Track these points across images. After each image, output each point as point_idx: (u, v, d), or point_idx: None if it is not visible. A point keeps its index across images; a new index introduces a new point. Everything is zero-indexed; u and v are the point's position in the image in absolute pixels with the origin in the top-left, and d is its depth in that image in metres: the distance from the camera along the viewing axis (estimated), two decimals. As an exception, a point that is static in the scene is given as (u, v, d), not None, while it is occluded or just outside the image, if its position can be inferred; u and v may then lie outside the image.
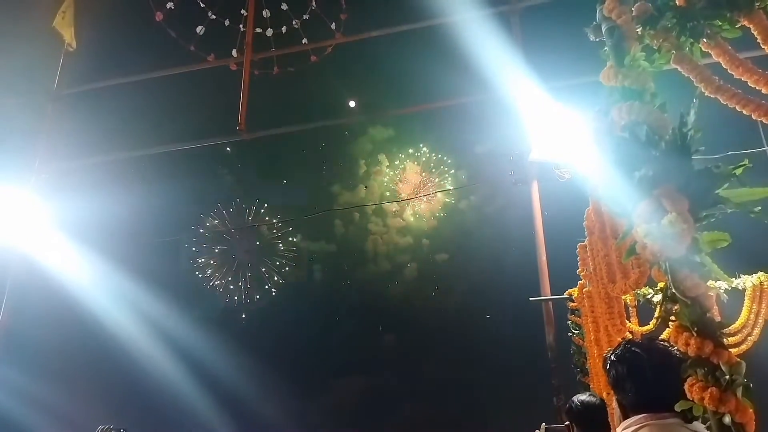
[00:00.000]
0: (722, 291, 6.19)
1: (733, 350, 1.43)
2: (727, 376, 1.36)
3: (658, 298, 5.93)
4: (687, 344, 1.40)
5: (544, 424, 3.52)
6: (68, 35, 8.65)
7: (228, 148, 19.25)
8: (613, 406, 1.96)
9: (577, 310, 6.52)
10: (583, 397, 3.19)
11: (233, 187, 22.61)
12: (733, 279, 6.47)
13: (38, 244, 8.02)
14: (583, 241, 3.99)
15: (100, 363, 16.40)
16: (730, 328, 6.29)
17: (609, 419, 2.92)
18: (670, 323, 1.49)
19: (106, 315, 13.01)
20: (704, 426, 1.56)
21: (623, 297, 5.17)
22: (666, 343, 1.74)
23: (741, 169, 1.48)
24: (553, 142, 7.15)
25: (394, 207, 22.72)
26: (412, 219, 23.43)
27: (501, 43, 7.52)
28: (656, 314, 5.96)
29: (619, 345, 1.88)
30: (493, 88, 7.27)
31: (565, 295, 6.96)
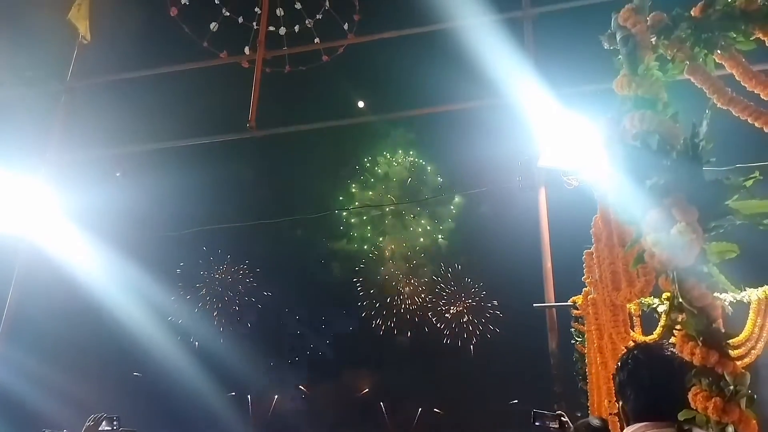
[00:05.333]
0: (727, 304, 6.16)
1: (736, 363, 1.43)
2: (732, 387, 1.36)
3: (663, 308, 5.91)
4: (692, 353, 1.41)
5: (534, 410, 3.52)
6: (83, 28, 8.71)
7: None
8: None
9: (580, 317, 6.50)
10: (593, 420, 3.35)
11: (244, 184, 22.69)
12: (739, 291, 6.43)
13: (47, 233, 8.08)
14: (590, 249, 3.99)
15: (104, 349, 16.51)
16: (733, 340, 6.26)
17: None
18: (676, 332, 1.50)
19: (112, 304, 13.11)
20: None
21: (627, 306, 5.16)
22: (673, 350, 1.73)
23: (751, 181, 1.49)
24: (562, 148, 7.12)
25: (403, 210, 22.78)
26: (423, 223, 23.52)
27: (513, 49, 7.51)
28: (661, 323, 5.94)
29: (626, 351, 1.87)
30: (504, 93, 7.26)
31: (569, 303, 6.94)
